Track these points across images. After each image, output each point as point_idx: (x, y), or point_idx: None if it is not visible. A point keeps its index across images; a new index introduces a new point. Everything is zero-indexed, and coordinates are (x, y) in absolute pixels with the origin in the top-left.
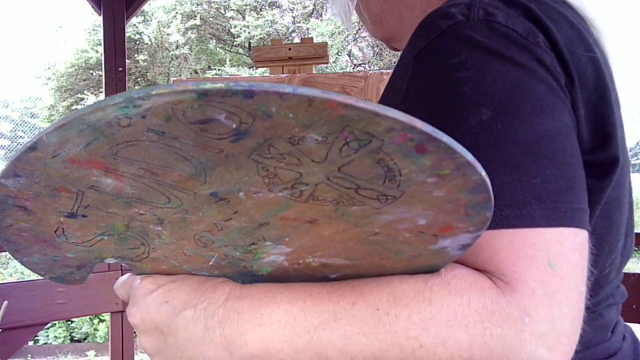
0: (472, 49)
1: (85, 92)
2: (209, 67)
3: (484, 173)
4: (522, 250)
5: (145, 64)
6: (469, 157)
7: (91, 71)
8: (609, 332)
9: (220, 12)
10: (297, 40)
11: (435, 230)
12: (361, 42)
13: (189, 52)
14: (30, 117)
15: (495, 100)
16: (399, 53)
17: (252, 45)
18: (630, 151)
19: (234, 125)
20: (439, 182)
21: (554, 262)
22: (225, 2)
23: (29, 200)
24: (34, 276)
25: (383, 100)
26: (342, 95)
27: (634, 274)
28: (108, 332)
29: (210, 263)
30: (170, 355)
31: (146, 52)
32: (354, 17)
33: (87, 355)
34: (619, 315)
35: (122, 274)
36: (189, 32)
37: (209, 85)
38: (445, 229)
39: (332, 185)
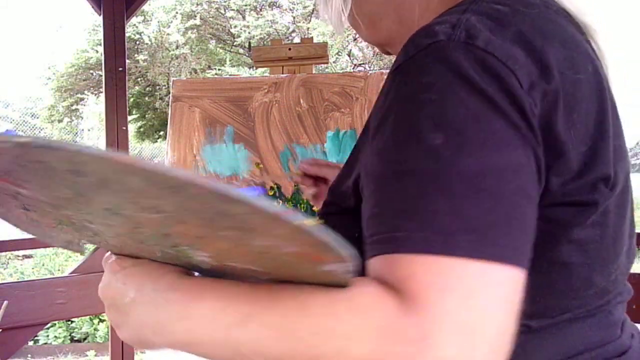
0: (442, 71)
1: (86, 92)
2: (209, 67)
3: (291, 225)
4: (439, 277)
5: (145, 64)
6: (272, 210)
7: (91, 71)
8: (618, 329)
9: (220, 12)
10: (297, 40)
11: (310, 258)
12: (361, 42)
13: (189, 52)
14: (31, 117)
15: (451, 128)
16: None
17: (252, 45)
18: (630, 151)
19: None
20: (270, 226)
21: (472, 293)
22: (225, 2)
23: None
24: (34, 276)
25: (371, 118)
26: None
27: (634, 274)
28: (108, 332)
29: (158, 255)
30: (126, 330)
31: (146, 52)
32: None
33: (87, 355)
34: (625, 313)
35: None
36: (189, 32)
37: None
38: (316, 259)
39: (188, 214)
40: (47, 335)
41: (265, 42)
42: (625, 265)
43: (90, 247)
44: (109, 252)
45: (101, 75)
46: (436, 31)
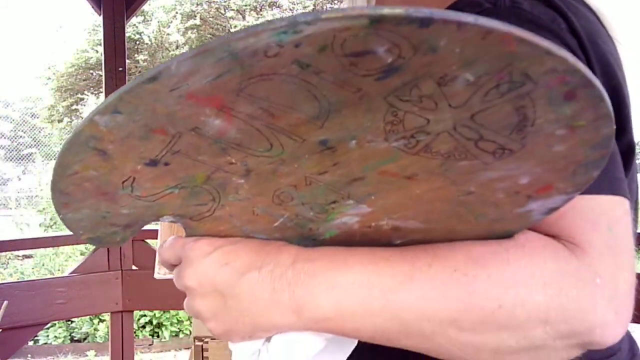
0: None
1: (85, 92)
2: None
3: (614, 127)
4: (585, 214)
5: (145, 64)
6: (611, 108)
7: (91, 71)
8: None
9: (220, 12)
10: None
11: (532, 191)
12: None
13: None
14: (31, 117)
15: None
16: None
17: None
18: None
19: (390, 60)
20: (567, 135)
21: (612, 227)
22: (225, 2)
23: (115, 142)
24: (34, 276)
25: None
26: (521, 30)
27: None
28: (108, 332)
29: (276, 224)
30: (231, 318)
31: (146, 52)
32: None
33: (87, 355)
34: None
35: (122, 274)
36: (189, 32)
37: (386, 11)
38: (543, 190)
39: (454, 136)
40: (47, 335)
41: None
42: None
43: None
44: (173, 238)
45: (101, 75)
46: (480, 1)
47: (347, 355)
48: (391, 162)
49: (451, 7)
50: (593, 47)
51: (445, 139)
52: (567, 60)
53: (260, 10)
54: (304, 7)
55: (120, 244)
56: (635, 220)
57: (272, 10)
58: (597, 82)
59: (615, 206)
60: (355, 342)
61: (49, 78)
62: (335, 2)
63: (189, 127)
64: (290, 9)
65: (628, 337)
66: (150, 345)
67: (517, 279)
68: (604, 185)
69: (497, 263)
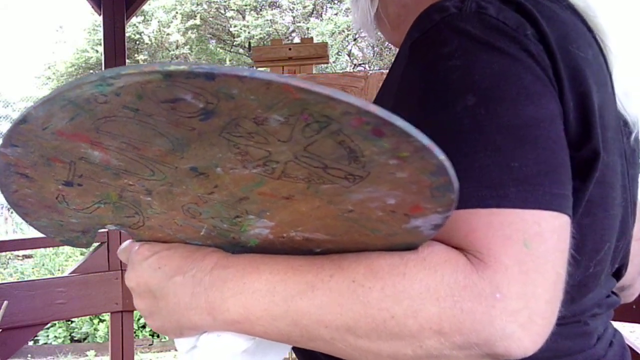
0: (462, 39)
1: None
2: None
3: (442, 156)
4: (499, 229)
5: (145, 64)
6: (425, 140)
7: (91, 71)
8: (593, 340)
9: (220, 12)
10: (297, 40)
11: (405, 210)
12: (361, 42)
13: (189, 52)
14: None
15: (481, 88)
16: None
17: (252, 45)
18: None
19: (201, 105)
20: (401, 164)
21: (530, 242)
22: (225, 2)
23: (28, 168)
24: (34, 276)
25: (382, 92)
26: (298, 79)
27: None
28: (108, 332)
29: (201, 233)
30: (161, 317)
31: (146, 52)
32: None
33: (87, 355)
34: (608, 322)
35: (122, 274)
36: (189, 32)
37: (172, 67)
38: (414, 209)
39: (301, 164)
40: (47, 335)
41: (265, 42)
42: (609, 268)
43: (85, 249)
44: (129, 242)
45: None
46: (447, 6)
47: (283, 356)
48: (262, 186)
49: (424, 13)
50: (562, 53)
51: (295, 166)
52: (353, 105)
53: (260, 10)
54: (304, 7)
55: (88, 246)
56: (626, 226)
57: (272, 10)
58: (396, 120)
59: (540, 220)
60: (290, 346)
61: (49, 78)
62: (335, 2)
63: (77, 157)
64: (290, 9)
65: (619, 345)
66: (150, 345)
67: (410, 291)
68: (530, 199)
69: (393, 276)
